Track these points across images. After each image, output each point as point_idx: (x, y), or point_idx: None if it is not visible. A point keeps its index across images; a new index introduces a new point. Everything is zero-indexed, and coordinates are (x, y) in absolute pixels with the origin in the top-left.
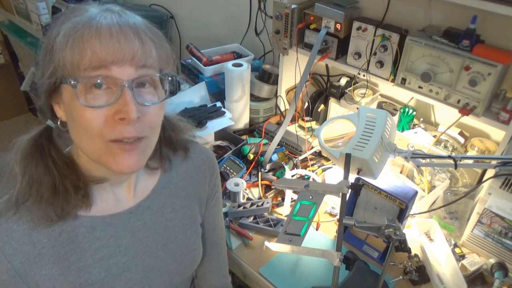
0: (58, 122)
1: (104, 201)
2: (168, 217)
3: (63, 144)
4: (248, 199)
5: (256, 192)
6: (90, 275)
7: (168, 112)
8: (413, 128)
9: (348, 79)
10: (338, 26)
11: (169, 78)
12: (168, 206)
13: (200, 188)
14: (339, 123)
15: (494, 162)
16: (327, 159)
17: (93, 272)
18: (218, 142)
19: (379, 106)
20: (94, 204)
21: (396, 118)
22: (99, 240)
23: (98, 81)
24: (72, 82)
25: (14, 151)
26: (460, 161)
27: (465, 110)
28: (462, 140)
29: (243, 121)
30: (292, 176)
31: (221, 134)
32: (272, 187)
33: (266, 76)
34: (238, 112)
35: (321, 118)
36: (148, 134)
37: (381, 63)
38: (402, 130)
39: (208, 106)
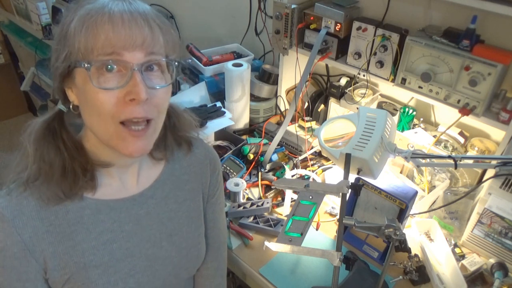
0: (70, 106)
1: (109, 186)
2: (172, 208)
3: (73, 131)
4: (248, 199)
5: (256, 192)
6: (94, 257)
7: (173, 101)
8: (413, 128)
9: (348, 79)
10: (338, 26)
11: (175, 63)
12: (171, 198)
13: (204, 183)
14: (339, 123)
15: (494, 162)
16: (327, 159)
17: (97, 254)
18: (218, 142)
19: (379, 106)
20: (100, 188)
21: (396, 118)
22: (103, 223)
23: (110, 64)
24: (86, 65)
25: (27, 132)
26: (460, 161)
27: (465, 110)
28: (462, 140)
29: (243, 121)
30: (292, 176)
31: (221, 134)
32: (272, 187)
33: (266, 76)
34: (238, 112)
35: (321, 118)
36: (155, 117)
37: (381, 63)
38: (402, 130)
39: (208, 106)
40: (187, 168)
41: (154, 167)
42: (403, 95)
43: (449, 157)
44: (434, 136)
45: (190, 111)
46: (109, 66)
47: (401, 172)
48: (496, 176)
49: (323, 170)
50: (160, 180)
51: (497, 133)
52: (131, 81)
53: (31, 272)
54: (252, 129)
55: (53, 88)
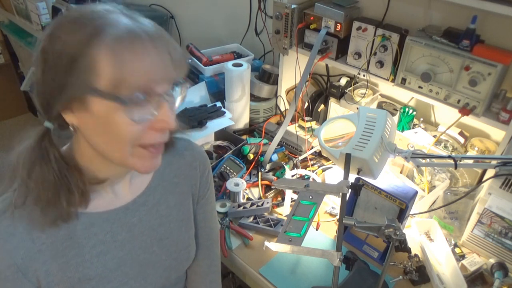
0: (71, 127)
1: (101, 197)
2: (163, 213)
3: (60, 143)
4: (248, 199)
5: (256, 192)
6: (88, 270)
7: None
8: (413, 128)
9: (348, 79)
10: (338, 26)
11: (186, 83)
12: (162, 203)
13: (193, 185)
14: (339, 123)
15: (494, 162)
16: (327, 159)
17: (91, 267)
18: (218, 142)
19: (379, 106)
20: (92, 200)
21: (396, 118)
22: (96, 235)
23: (142, 97)
24: (119, 99)
25: (17, 153)
26: (460, 161)
27: (465, 110)
28: (462, 140)
29: (243, 121)
30: (292, 176)
31: (221, 134)
32: (272, 187)
33: (266, 76)
34: (238, 112)
35: (321, 118)
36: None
37: (381, 63)
38: (402, 130)
39: (208, 106)
40: (177, 171)
41: (144, 173)
42: (403, 95)
43: (449, 157)
44: (434, 136)
45: (187, 113)
46: (141, 98)
47: (401, 172)
48: (496, 176)
49: (323, 170)
50: (151, 187)
51: (497, 133)
52: (161, 110)
53: None
54: (252, 129)
55: (39, 103)
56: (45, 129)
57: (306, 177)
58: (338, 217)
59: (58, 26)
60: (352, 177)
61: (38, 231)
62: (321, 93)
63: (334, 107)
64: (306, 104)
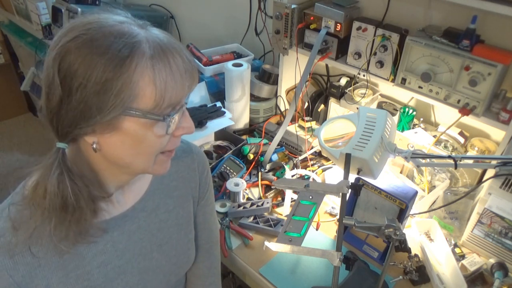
0: (94, 145)
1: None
2: (162, 218)
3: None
4: (248, 199)
5: (256, 192)
6: (89, 282)
7: None
8: (413, 128)
9: (348, 79)
10: (338, 26)
11: None
12: (161, 207)
13: (193, 187)
14: (339, 123)
15: (494, 162)
16: (327, 159)
17: (92, 279)
18: (218, 142)
19: (379, 106)
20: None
21: (396, 118)
22: (96, 245)
23: (175, 111)
24: (159, 116)
25: (35, 172)
26: (460, 161)
27: (465, 110)
28: (462, 140)
29: (243, 121)
30: (292, 176)
31: (221, 134)
32: (272, 187)
33: (266, 76)
34: (238, 112)
35: (321, 118)
36: None
37: (381, 63)
38: (402, 130)
39: (208, 106)
40: (175, 174)
41: (143, 177)
42: (403, 95)
43: (449, 157)
44: (434, 136)
45: (188, 111)
46: (174, 112)
47: (401, 172)
48: (496, 176)
49: (323, 170)
50: (150, 191)
51: (497, 133)
52: (183, 117)
53: None
54: (252, 129)
55: (53, 127)
56: (61, 153)
57: (306, 177)
58: (338, 217)
59: (76, 48)
60: (352, 177)
61: (37, 246)
62: (321, 93)
63: (334, 107)
64: (306, 104)
